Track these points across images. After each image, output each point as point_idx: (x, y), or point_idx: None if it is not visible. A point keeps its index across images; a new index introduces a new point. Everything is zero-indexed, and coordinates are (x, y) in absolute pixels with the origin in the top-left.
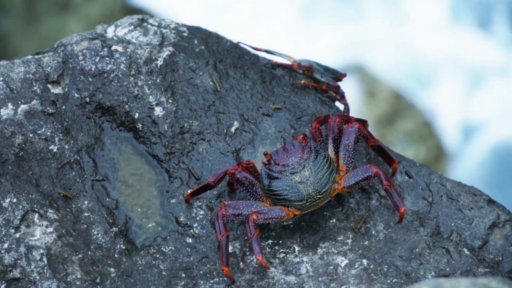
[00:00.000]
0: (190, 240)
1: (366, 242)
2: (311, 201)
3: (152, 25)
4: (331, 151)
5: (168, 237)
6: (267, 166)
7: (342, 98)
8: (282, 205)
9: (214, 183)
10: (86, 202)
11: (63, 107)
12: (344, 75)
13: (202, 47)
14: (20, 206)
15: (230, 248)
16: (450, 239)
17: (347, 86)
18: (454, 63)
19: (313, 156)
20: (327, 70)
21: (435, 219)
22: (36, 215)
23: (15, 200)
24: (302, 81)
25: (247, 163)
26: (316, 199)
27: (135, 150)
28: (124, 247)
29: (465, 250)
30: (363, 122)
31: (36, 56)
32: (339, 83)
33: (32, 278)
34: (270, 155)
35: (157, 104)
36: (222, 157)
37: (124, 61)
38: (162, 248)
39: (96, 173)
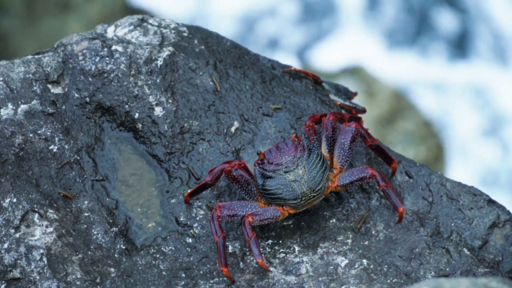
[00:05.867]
0: (190, 240)
1: (366, 242)
2: (305, 199)
3: (152, 25)
4: (324, 149)
5: (168, 237)
6: (260, 165)
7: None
8: (276, 204)
9: (211, 182)
10: (86, 202)
11: (63, 107)
12: (355, 94)
13: (202, 47)
14: (20, 206)
15: (230, 248)
16: (450, 239)
17: (348, 86)
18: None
19: (306, 154)
20: (338, 90)
21: (435, 219)
22: (36, 215)
23: (15, 200)
24: (292, 68)
25: (238, 163)
26: (310, 197)
27: (135, 150)
28: (124, 247)
29: (465, 250)
30: (357, 120)
31: (36, 56)
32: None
33: (32, 278)
34: (263, 154)
35: (157, 104)
36: (222, 157)
37: (124, 61)
38: (162, 248)
39: (96, 173)
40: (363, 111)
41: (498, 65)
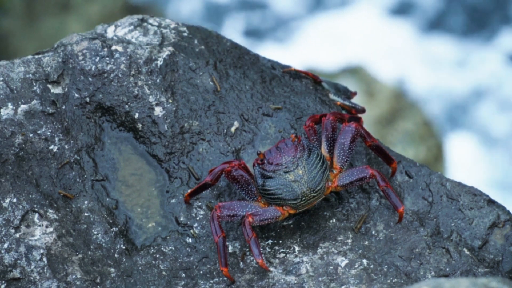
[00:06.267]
0: (190, 240)
1: (366, 242)
2: (305, 199)
3: (152, 25)
4: (324, 149)
5: (168, 237)
6: (260, 165)
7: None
8: (276, 204)
9: (211, 182)
10: (86, 202)
11: (63, 107)
12: (355, 94)
13: (202, 47)
14: (20, 206)
15: (230, 248)
16: (450, 239)
17: (348, 86)
18: None
19: (306, 155)
20: (338, 89)
21: (435, 219)
22: (36, 215)
23: (15, 200)
24: (292, 68)
25: (238, 163)
26: (310, 197)
27: (135, 150)
28: (124, 247)
29: (465, 250)
30: (357, 120)
31: (36, 56)
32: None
33: (32, 278)
34: (263, 155)
35: (157, 104)
36: (222, 157)
37: (124, 61)
38: (162, 248)
39: (96, 173)
40: (362, 111)
41: None
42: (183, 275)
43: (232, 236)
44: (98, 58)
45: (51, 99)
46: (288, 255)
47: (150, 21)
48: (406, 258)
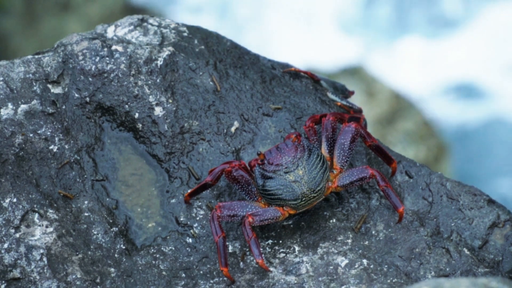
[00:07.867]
0: (190, 240)
1: (366, 242)
2: (305, 200)
3: (152, 25)
4: (324, 150)
5: (168, 237)
6: (260, 166)
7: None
8: (276, 204)
9: (212, 182)
10: (86, 202)
11: (63, 107)
12: (352, 93)
13: (202, 47)
14: (20, 206)
15: (230, 248)
16: (450, 239)
17: (347, 86)
18: None
19: (307, 155)
20: (336, 88)
21: (435, 219)
22: (36, 215)
23: (15, 200)
24: (293, 68)
25: (239, 163)
26: (310, 197)
27: (135, 150)
28: (124, 247)
29: (465, 250)
30: (357, 120)
31: (36, 56)
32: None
33: (32, 278)
34: (263, 155)
35: (157, 104)
36: (222, 157)
37: (124, 61)
38: (162, 248)
39: (96, 173)
40: (360, 111)
41: None
42: (183, 275)
43: (232, 236)
44: (98, 58)
45: (51, 99)
46: (288, 255)
47: (150, 21)
48: (406, 258)
